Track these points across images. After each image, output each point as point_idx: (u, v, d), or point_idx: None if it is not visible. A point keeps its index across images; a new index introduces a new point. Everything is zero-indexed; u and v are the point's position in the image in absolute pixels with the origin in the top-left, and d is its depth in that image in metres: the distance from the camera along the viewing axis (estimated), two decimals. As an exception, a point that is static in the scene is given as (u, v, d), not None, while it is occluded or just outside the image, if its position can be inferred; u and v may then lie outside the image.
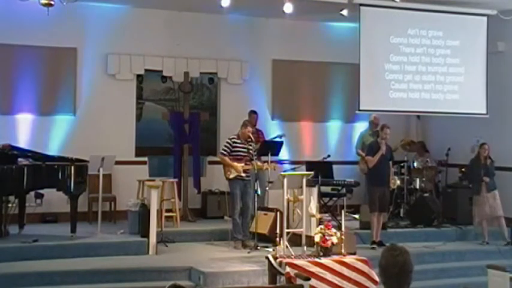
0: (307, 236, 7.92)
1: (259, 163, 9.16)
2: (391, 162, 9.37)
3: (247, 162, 8.87)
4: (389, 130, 9.19)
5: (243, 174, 8.87)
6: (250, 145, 8.99)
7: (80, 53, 10.45)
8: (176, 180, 10.11)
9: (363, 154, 9.95)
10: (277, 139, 10.64)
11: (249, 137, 8.97)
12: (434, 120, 12.10)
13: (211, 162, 11.04)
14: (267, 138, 10.71)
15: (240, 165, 8.82)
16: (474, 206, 9.78)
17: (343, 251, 7.29)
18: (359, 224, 9.76)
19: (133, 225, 8.93)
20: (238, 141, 8.97)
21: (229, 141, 9.02)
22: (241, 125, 9.04)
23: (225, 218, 10.54)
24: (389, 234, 9.49)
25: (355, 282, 7.00)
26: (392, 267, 3.15)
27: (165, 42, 10.87)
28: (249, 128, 9.03)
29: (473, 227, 9.88)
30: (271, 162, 9.52)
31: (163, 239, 8.79)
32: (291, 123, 11.78)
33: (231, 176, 8.87)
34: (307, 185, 8.25)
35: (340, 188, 10.58)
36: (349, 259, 7.17)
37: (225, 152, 8.96)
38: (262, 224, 9.05)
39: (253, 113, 10.64)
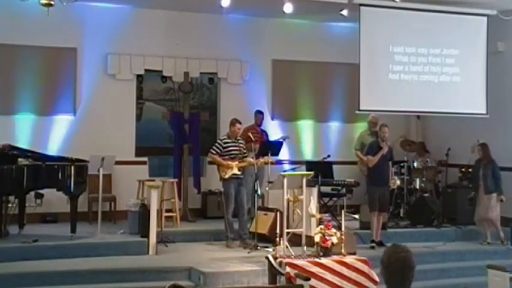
0: (307, 236, 7.91)
1: (252, 160, 9.07)
2: (390, 163, 9.37)
3: (241, 160, 8.91)
4: (387, 129, 9.19)
5: (238, 172, 8.89)
6: (241, 143, 9.02)
7: (80, 53, 10.46)
8: (176, 180, 10.12)
9: (361, 156, 9.95)
10: (281, 140, 10.66)
11: (242, 136, 9.10)
12: (434, 120, 12.09)
13: (211, 162, 11.00)
14: (270, 139, 10.73)
15: (234, 163, 8.85)
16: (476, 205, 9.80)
17: (343, 251, 7.29)
18: (359, 224, 9.76)
19: (133, 225, 8.94)
20: (229, 140, 9.01)
21: (219, 141, 9.07)
22: (229, 124, 9.08)
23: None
24: (389, 234, 9.48)
25: (355, 282, 7.01)
26: (394, 263, 3.20)
27: (165, 42, 10.87)
28: (238, 126, 9.04)
29: (476, 226, 9.84)
30: (264, 156, 9.45)
31: (163, 239, 8.79)
32: (291, 123, 11.80)
33: (227, 176, 8.87)
34: (307, 185, 8.25)
35: (340, 188, 10.59)
36: (349, 259, 7.17)
37: (214, 152, 8.98)
38: (262, 224, 9.05)
39: (258, 112, 10.78)
